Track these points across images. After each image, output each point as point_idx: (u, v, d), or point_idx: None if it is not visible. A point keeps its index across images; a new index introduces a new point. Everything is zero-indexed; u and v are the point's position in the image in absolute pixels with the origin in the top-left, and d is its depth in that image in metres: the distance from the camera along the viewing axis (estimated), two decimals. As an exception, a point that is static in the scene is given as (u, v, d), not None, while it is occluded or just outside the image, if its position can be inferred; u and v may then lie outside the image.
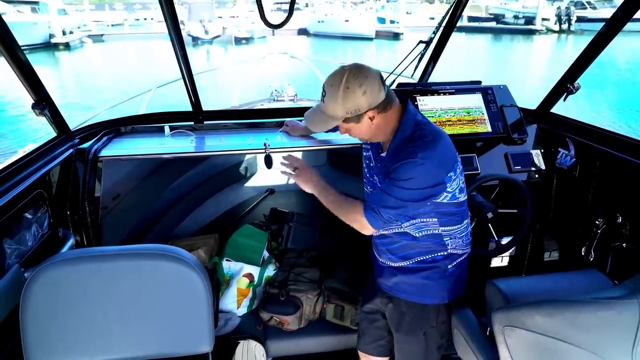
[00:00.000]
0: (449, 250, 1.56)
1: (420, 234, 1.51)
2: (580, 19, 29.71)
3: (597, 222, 1.95)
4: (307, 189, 1.61)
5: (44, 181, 1.73)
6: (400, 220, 1.48)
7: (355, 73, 1.33)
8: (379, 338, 1.79)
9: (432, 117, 2.23)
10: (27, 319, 1.20)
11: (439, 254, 1.55)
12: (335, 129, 2.02)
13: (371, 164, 1.59)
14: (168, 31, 2.01)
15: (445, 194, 1.44)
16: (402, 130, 1.42)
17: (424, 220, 1.49)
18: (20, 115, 10.77)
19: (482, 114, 2.30)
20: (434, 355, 1.67)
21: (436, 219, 1.49)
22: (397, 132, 1.42)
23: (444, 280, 1.58)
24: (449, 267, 1.58)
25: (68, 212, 1.89)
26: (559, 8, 30.82)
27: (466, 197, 1.55)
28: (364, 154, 1.64)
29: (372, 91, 1.34)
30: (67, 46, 26.34)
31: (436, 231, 1.51)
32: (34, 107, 1.81)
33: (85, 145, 2.04)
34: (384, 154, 1.50)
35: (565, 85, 2.21)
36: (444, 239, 1.53)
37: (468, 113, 2.29)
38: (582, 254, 2.02)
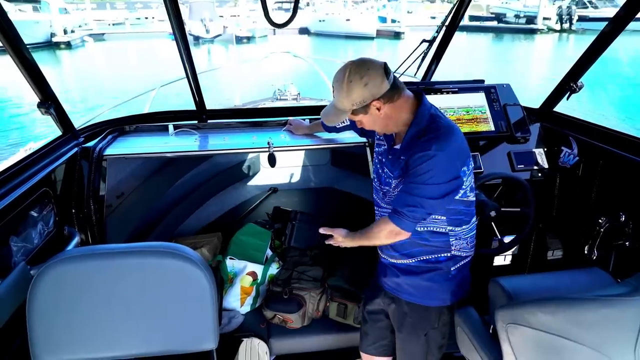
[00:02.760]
0: (453, 252, 1.56)
1: (425, 228, 1.51)
2: (581, 18, 29.53)
3: (600, 220, 1.95)
4: (349, 245, 1.65)
5: (49, 179, 1.74)
6: (427, 217, 1.48)
7: (357, 66, 1.39)
8: (381, 338, 1.79)
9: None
10: (33, 316, 1.20)
11: (442, 255, 1.55)
12: (339, 130, 2.06)
13: (383, 159, 1.59)
14: (172, 30, 2.02)
15: (461, 190, 1.45)
16: (417, 122, 1.44)
17: (434, 217, 1.49)
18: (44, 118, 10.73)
19: (485, 112, 2.31)
20: (435, 356, 1.69)
21: (445, 217, 1.49)
22: (412, 124, 1.45)
23: (446, 282, 1.59)
24: (451, 269, 1.58)
25: (73, 210, 1.90)
26: (560, 7, 30.65)
27: (474, 197, 1.56)
28: (377, 149, 1.64)
29: (374, 83, 1.38)
30: (68, 45, 26.32)
31: (443, 230, 1.51)
32: (39, 106, 1.82)
33: (90, 144, 2.05)
34: (397, 146, 1.51)
35: (568, 84, 2.21)
36: (450, 239, 1.53)
37: (467, 112, 2.29)
38: (585, 252, 2.02)
